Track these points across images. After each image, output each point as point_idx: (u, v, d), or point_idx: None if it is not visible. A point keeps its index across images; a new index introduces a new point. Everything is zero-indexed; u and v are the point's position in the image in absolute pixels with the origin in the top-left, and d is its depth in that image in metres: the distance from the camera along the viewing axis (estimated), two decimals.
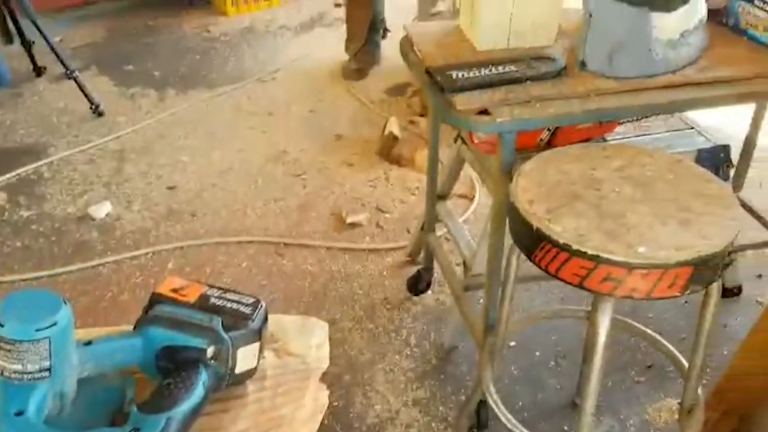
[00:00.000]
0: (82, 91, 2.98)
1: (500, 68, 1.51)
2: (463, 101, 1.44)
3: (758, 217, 2.03)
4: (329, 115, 3.02)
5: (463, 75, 1.52)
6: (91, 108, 2.99)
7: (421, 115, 2.84)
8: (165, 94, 3.19)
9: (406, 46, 1.74)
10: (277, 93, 3.20)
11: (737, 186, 2.06)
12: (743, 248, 2.01)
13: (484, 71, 1.51)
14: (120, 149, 2.80)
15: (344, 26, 3.37)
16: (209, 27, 3.84)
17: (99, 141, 2.84)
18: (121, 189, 2.56)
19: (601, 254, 1.11)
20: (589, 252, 1.12)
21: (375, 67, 3.33)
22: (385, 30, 3.35)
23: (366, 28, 3.22)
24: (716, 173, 1.68)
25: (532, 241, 1.21)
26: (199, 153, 2.77)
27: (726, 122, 2.12)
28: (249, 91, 3.21)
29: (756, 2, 1.54)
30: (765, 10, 1.52)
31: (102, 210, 2.44)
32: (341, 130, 2.91)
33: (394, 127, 2.71)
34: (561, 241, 1.14)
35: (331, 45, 3.61)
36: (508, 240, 1.35)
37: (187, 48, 3.63)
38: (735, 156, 1.86)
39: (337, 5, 4.07)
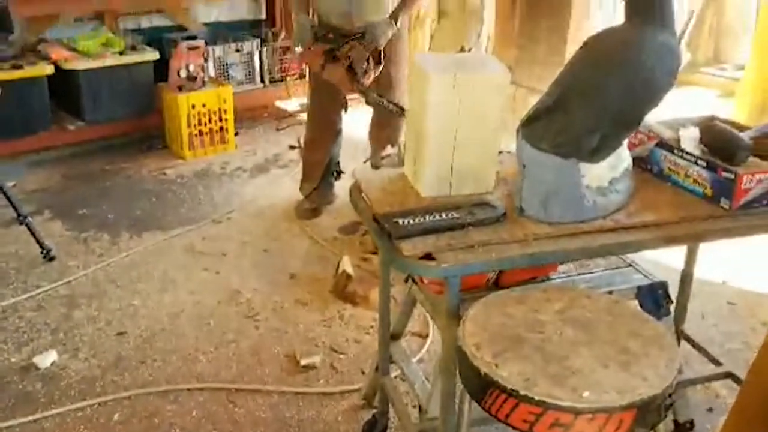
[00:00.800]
0: (34, 235, 2.97)
1: (444, 215, 1.59)
2: (409, 247, 1.50)
3: (702, 351, 2.09)
4: (283, 255, 3.06)
5: (408, 222, 1.58)
6: (41, 253, 2.97)
7: (374, 253, 2.90)
8: (118, 238, 3.20)
9: (355, 192, 1.82)
10: (231, 233, 3.24)
11: (680, 320, 2.12)
12: (691, 382, 2.04)
13: (429, 218, 1.58)
14: (70, 294, 2.76)
15: (299, 167, 3.49)
16: (166, 170, 3.93)
17: (48, 286, 2.79)
18: (68, 336, 2.50)
19: (548, 400, 1.13)
20: (537, 398, 1.14)
21: (328, 206, 3.42)
22: (339, 172, 3.48)
23: (321, 171, 3.35)
24: (657, 309, 1.75)
25: (481, 387, 1.22)
26: (150, 297, 2.75)
27: (663, 256, 2.22)
28: (203, 232, 3.25)
29: (675, 152, 1.68)
30: (684, 159, 1.65)
31: (47, 359, 2.36)
32: (295, 269, 2.94)
33: (347, 265, 2.75)
34: (508, 386, 1.16)
35: (285, 186, 3.72)
36: (461, 383, 1.35)
37: (143, 191, 3.68)
38: (674, 290, 1.94)
39: (292, 147, 4.23)
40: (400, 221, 1.58)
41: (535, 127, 1.55)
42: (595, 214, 1.53)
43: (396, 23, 2.91)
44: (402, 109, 2.84)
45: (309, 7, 3.08)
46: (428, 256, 1.48)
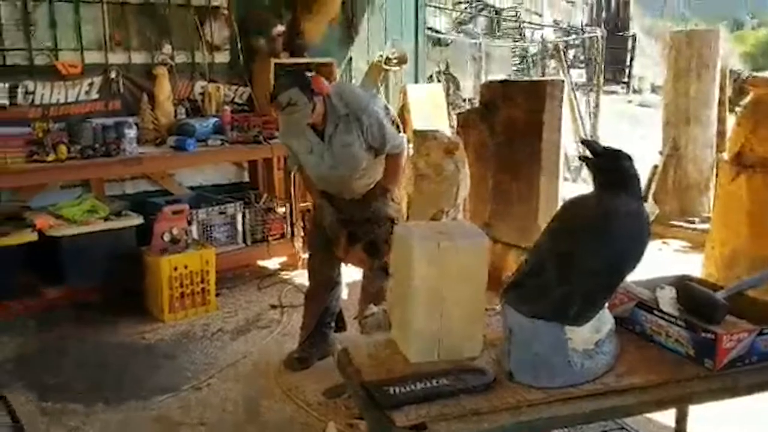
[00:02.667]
0: (8, 409, 2.85)
1: (434, 382, 1.59)
2: (402, 417, 1.48)
3: None
4: (265, 425, 2.95)
5: (398, 390, 1.58)
6: (12, 427, 2.84)
7: (360, 418, 2.82)
8: (92, 409, 3.08)
9: (343, 358, 1.81)
10: (211, 400, 3.14)
11: None
12: None
13: (419, 385, 1.58)
14: None
15: (280, 327, 3.47)
16: (145, 334, 3.87)
17: None
18: None
19: None
20: None
21: (317, 363, 3.37)
22: (339, 325, 3.49)
23: (315, 321, 3.37)
24: None
25: None
26: None
27: (654, 415, 2.20)
28: (182, 400, 3.14)
29: (656, 312, 1.72)
30: (665, 319, 1.70)
31: None
32: None
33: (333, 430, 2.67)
34: None
35: (267, 347, 3.67)
36: None
37: (122, 356, 3.60)
38: None
39: (273, 307, 4.23)
40: (391, 390, 1.58)
41: (519, 293, 1.60)
42: (584, 378, 1.54)
43: (393, 198, 3.18)
44: (386, 270, 2.91)
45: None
46: (421, 425, 1.46)
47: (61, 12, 4.47)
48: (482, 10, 13.04)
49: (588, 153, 1.62)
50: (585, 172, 8.44)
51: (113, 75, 4.68)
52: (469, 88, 10.47)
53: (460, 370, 1.62)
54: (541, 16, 15.30)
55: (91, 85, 4.61)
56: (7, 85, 4.29)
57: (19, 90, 4.36)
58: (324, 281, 3.38)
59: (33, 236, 3.88)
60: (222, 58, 5.14)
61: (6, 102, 4.30)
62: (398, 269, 1.89)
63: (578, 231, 1.58)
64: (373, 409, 1.55)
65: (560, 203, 3.49)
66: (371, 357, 1.78)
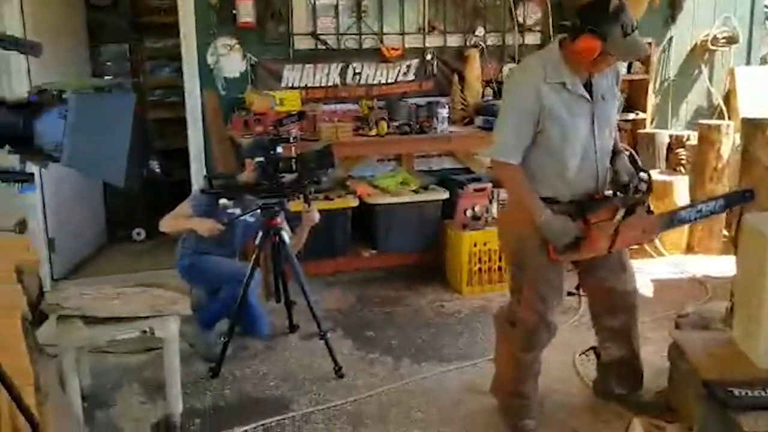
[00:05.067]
0: (330, 352, 3.23)
1: None
2: (750, 423, 1.35)
3: None
4: (564, 408, 2.92)
5: (746, 393, 1.44)
6: (334, 369, 3.21)
7: (669, 422, 2.63)
8: (400, 363, 3.35)
9: (675, 353, 1.70)
10: None
11: None
12: None
13: None
14: (356, 412, 2.92)
15: (576, 315, 3.37)
16: (444, 303, 4.10)
17: (337, 402, 2.99)
18: None
19: None
20: None
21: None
22: None
23: None
24: None
25: None
26: (428, 428, 2.79)
27: None
28: (480, 370, 3.26)
29: None
30: None
31: None
32: (578, 425, 2.79)
33: (637, 430, 2.53)
34: None
35: (562, 333, 3.60)
36: None
37: (423, 321, 3.86)
38: None
39: (570, 294, 4.12)
40: (736, 392, 1.44)
41: None
42: None
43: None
44: None
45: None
46: None
47: (388, 0, 4.84)
48: None
49: None
50: None
51: (429, 57, 4.97)
52: None
53: None
54: None
55: (408, 66, 4.95)
56: (339, 66, 4.81)
57: (349, 71, 4.85)
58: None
59: (354, 202, 4.32)
60: (532, 39, 5.14)
61: (338, 81, 4.82)
62: (747, 263, 1.71)
63: None
64: (715, 409, 1.43)
65: None
66: (711, 356, 1.64)
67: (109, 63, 6.07)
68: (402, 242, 4.43)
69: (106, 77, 5.90)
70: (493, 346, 3.36)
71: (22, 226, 3.34)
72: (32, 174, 1.45)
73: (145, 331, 2.83)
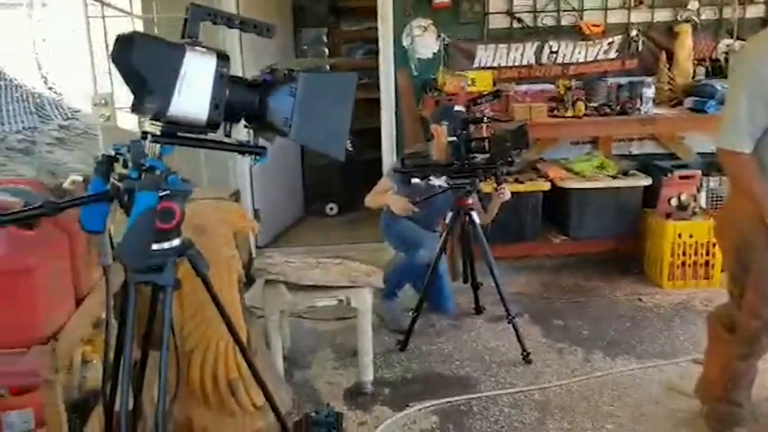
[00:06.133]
0: (518, 336, 3.18)
1: None
2: None
3: None
4: None
5: None
6: (522, 354, 3.15)
7: None
8: (592, 356, 3.21)
9: None
10: None
11: None
12: None
13: None
14: (543, 400, 2.84)
15: None
16: (642, 296, 3.85)
17: (524, 388, 2.94)
18: None
19: None
20: None
21: None
22: None
23: None
24: None
25: None
26: (623, 426, 2.65)
27: None
28: (681, 370, 3.03)
29: None
30: None
31: None
32: None
33: None
34: None
35: None
36: None
37: (618, 314, 3.66)
38: None
39: None
40: None
41: None
42: None
43: None
44: None
45: None
46: None
47: None
48: None
49: None
50: None
51: (633, 34, 4.65)
52: None
53: None
54: None
55: (610, 44, 4.67)
56: (535, 44, 4.66)
57: (545, 50, 4.68)
58: None
59: (546, 186, 4.19)
60: (755, 11, 4.62)
61: (533, 60, 4.68)
62: None
63: None
64: None
65: None
66: None
67: (305, 47, 6.39)
68: (596, 229, 4.23)
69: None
70: (697, 346, 3.12)
71: (236, 197, 3.66)
72: (265, 147, 1.54)
73: (341, 300, 2.97)
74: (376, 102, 4.84)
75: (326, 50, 6.54)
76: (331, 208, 5.87)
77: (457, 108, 3.49)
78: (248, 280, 3.06)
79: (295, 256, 3.33)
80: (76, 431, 1.91)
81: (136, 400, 1.69)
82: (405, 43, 4.67)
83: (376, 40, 4.79)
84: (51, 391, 1.75)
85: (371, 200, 3.62)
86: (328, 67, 6.38)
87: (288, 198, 5.58)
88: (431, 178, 3.43)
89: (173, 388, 1.60)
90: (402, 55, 4.68)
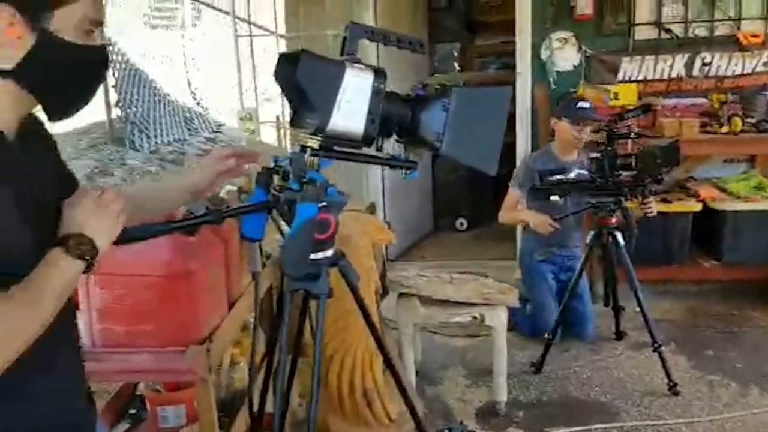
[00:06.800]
0: (664, 365, 2.98)
1: None
2: None
3: None
4: None
5: None
6: (668, 384, 2.96)
7: None
8: (747, 390, 2.95)
9: None
10: None
11: None
12: None
13: None
14: None
15: None
16: None
17: (671, 421, 2.75)
18: None
19: None
20: None
21: None
22: None
23: None
24: None
25: None
26: None
27: None
28: None
29: None
30: None
31: None
32: None
33: None
34: None
35: None
36: None
37: None
38: None
39: None
40: None
41: None
42: None
43: None
44: None
45: None
46: None
47: None
48: None
49: None
50: None
51: None
52: None
53: None
54: None
55: None
56: (685, 56, 4.39)
57: (696, 61, 4.40)
58: None
59: (697, 206, 3.92)
60: None
61: (683, 73, 4.42)
62: None
63: None
64: None
65: None
66: None
67: (437, 63, 6.42)
68: (753, 255, 3.90)
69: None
70: None
71: (372, 209, 3.72)
72: (416, 162, 1.55)
73: (476, 317, 2.93)
74: (510, 117, 4.77)
75: (456, 65, 6.55)
76: (461, 224, 5.83)
77: (581, 104, 3.40)
78: (383, 292, 3.10)
79: (429, 270, 3.33)
80: (224, 429, 2.00)
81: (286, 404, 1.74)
82: (543, 56, 4.56)
83: (509, 54, 4.73)
84: (205, 389, 1.84)
85: (506, 217, 3.55)
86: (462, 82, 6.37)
87: (418, 212, 5.61)
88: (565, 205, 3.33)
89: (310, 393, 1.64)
90: (539, 69, 4.58)
